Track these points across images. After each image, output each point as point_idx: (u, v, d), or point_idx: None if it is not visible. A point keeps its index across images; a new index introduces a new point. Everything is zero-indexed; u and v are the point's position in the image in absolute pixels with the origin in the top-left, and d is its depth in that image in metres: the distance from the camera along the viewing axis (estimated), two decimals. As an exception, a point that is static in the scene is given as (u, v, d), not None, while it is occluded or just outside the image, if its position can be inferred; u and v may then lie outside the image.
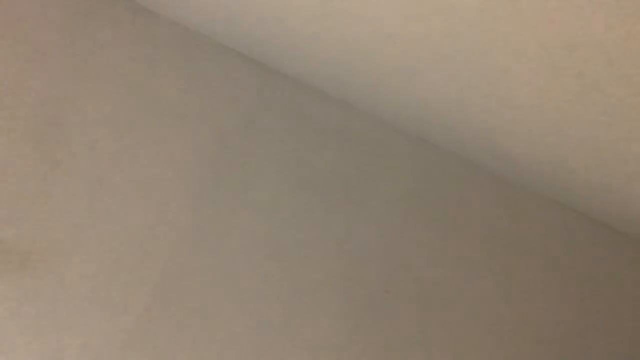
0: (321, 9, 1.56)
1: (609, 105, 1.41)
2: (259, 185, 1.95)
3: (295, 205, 1.95)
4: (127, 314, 1.81)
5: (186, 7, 1.86)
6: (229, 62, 1.97)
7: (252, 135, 1.97)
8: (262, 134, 1.97)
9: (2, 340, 1.73)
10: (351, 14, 1.52)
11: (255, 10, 1.72)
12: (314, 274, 1.93)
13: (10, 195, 1.78)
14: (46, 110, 1.84)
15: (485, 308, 1.97)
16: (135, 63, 1.92)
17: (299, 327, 1.91)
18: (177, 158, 1.91)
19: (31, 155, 1.81)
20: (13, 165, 1.80)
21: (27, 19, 1.88)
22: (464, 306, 1.97)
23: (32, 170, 1.80)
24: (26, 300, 1.75)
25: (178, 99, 1.94)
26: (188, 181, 1.90)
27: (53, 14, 1.89)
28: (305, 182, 1.97)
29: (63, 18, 1.90)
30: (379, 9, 1.44)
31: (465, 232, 2.00)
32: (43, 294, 1.76)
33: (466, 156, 2.03)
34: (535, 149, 1.82)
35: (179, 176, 1.89)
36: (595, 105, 1.44)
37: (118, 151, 1.87)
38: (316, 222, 1.96)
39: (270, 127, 1.98)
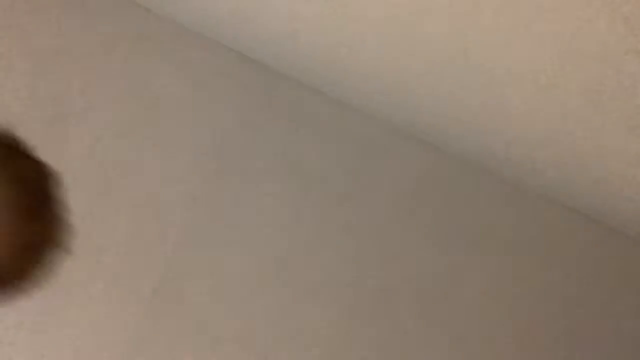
0: (321, 10, 1.56)
1: (609, 105, 1.41)
2: (258, 185, 1.94)
3: (295, 205, 1.95)
4: (128, 314, 1.81)
5: (186, 6, 1.86)
6: (229, 62, 1.97)
7: (252, 135, 1.96)
8: (262, 134, 1.97)
9: (3, 338, 1.73)
10: (351, 15, 1.52)
11: (255, 10, 1.72)
12: (314, 273, 1.93)
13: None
14: (46, 111, 1.84)
15: (485, 308, 1.97)
16: (134, 63, 1.92)
17: (298, 326, 1.91)
18: (176, 158, 1.90)
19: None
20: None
21: (26, 18, 1.88)
22: (464, 306, 1.97)
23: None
24: (25, 300, 1.74)
25: (178, 98, 1.93)
26: (188, 181, 1.89)
27: (52, 14, 1.89)
28: (305, 182, 1.97)
29: (62, 18, 1.90)
30: (378, 9, 1.44)
31: (465, 232, 2.00)
32: (42, 295, 1.75)
33: (466, 156, 2.03)
34: (536, 150, 1.82)
35: (178, 176, 1.89)
36: (596, 105, 1.44)
37: (118, 151, 1.87)
38: (316, 222, 1.96)
39: (270, 127, 1.98)
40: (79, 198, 1.82)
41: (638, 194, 1.78)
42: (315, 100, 2.00)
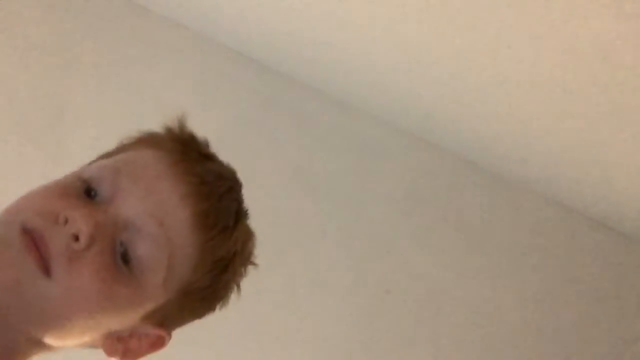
0: (321, 10, 1.57)
1: (609, 103, 1.41)
2: (258, 185, 1.94)
3: (295, 205, 1.95)
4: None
5: (186, 6, 1.86)
6: (229, 62, 1.96)
7: (252, 135, 1.96)
8: (262, 134, 1.97)
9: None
10: (350, 16, 1.52)
11: (255, 11, 1.72)
12: (314, 274, 1.93)
13: (10, 195, 1.77)
14: (46, 110, 1.84)
15: (485, 308, 1.97)
16: (135, 63, 1.92)
17: (298, 327, 1.90)
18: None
19: (31, 154, 1.81)
20: (13, 165, 1.80)
21: (25, 18, 1.88)
22: (464, 306, 1.97)
23: (32, 170, 1.80)
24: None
25: (178, 98, 1.93)
26: (188, 181, 1.89)
27: (53, 14, 1.89)
28: (305, 182, 1.97)
29: (63, 18, 1.90)
30: (377, 10, 1.44)
31: (465, 232, 2.00)
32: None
33: (466, 156, 2.03)
34: (535, 150, 1.83)
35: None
36: (595, 104, 1.44)
37: (118, 151, 1.86)
38: (316, 222, 1.96)
39: (270, 127, 1.98)
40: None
41: (638, 193, 1.78)
42: (316, 100, 2.00)
